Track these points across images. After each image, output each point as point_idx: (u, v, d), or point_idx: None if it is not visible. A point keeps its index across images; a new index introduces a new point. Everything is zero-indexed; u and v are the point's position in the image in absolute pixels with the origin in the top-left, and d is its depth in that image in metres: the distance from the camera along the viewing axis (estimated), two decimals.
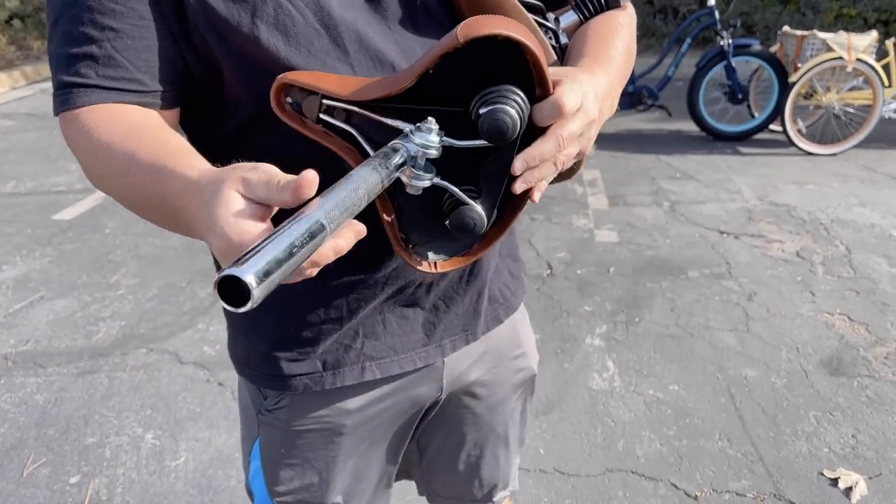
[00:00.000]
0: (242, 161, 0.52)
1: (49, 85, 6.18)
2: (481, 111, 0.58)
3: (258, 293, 0.38)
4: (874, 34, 4.79)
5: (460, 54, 0.57)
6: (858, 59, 4.63)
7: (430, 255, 0.70)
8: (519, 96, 0.59)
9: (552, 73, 0.63)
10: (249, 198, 0.47)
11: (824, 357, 2.50)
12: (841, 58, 4.62)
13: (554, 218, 3.81)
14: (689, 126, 5.40)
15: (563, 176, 0.74)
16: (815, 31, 4.80)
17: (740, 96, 5.15)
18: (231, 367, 2.42)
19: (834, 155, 4.87)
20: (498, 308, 0.93)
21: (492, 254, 0.88)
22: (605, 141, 5.27)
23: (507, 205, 0.68)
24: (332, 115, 0.62)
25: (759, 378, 2.38)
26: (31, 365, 2.48)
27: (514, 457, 1.10)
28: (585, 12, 0.74)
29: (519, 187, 0.62)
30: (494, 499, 1.11)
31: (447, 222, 0.65)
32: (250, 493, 0.95)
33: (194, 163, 0.56)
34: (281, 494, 0.89)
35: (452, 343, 0.88)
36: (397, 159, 0.54)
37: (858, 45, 4.64)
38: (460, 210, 0.63)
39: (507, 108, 0.57)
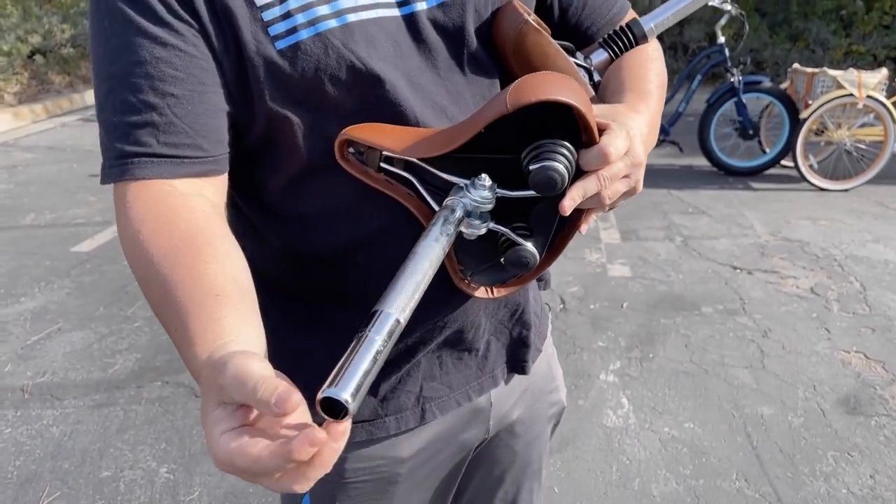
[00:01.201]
0: (290, 204, 0.58)
1: (69, 119, 6.33)
2: (532, 167, 0.60)
3: (354, 407, 0.43)
4: (884, 71, 4.82)
5: (509, 116, 0.60)
6: (869, 97, 4.66)
7: (485, 282, 0.74)
8: (567, 149, 0.61)
9: (600, 113, 0.66)
10: (227, 402, 0.47)
11: (841, 396, 2.48)
12: (851, 95, 4.65)
13: (566, 252, 3.79)
14: (701, 161, 5.43)
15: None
16: (826, 69, 4.85)
17: (751, 132, 5.18)
18: None
19: (846, 191, 4.88)
20: (537, 338, 0.94)
21: (527, 290, 0.89)
22: None
23: (556, 236, 0.72)
24: (391, 164, 0.66)
25: (775, 416, 2.36)
26: (47, 397, 2.50)
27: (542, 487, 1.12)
28: (616, 50, 0.77)
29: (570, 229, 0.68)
30: None
31: (502, 259, 0.68)
32: None
33: (208, 337, 0.53)
34: None
35: (503, 371, 0.90)
36: (457, 217, 0.59)
37: (869, 82, 4.67)
38: (515, 250, 0.66)
39: (557, 164, 0.60)
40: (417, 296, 0.51)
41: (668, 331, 2.96)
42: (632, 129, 0.66)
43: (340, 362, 0.45)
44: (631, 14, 0.86)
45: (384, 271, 0.60)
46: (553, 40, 0.72)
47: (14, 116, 7.26)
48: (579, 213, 0.71)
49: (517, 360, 0.91)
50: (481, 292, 0.74)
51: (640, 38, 0.77)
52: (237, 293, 0.58)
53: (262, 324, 0.58)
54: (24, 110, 7.46)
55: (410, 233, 0.70)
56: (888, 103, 4.69)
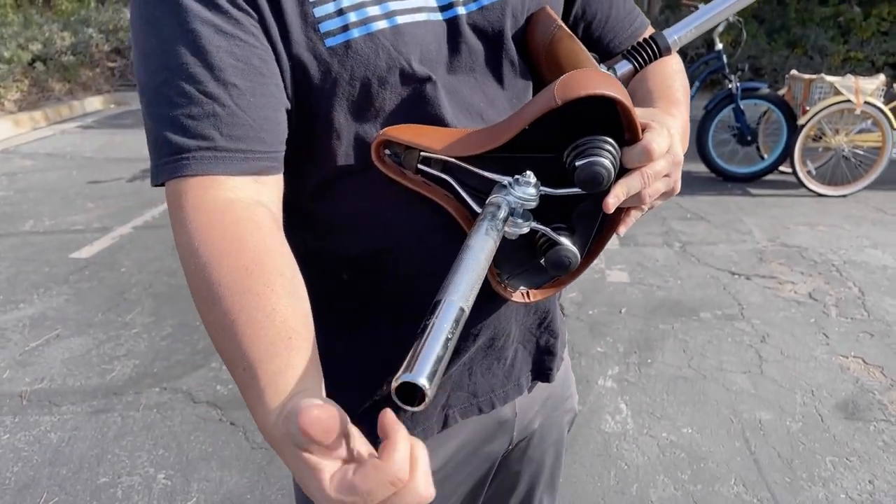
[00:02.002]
0: (320, 207, 0.58)
1: (69, 126, 6.33)
2: (577, 163, 0.60)
3: (431, 392, 0.43)
4: (882, 77, 4.84)
5: (552, 114, 0.60)
6: (867, 102, 4.68)
7: (521, 286, 0.73)
8: (612, 145, 0.61)
9: (641, 115, 0.65)
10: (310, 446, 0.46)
11: (839, 401, 2.48)
12: (849, 101, 4.67)
13: None
14: (699, 167, 5.44)
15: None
16: (823, 75, 4.87)
17: (749, 138, 5.20)
18: (244, 407, 2.42)
19: (844, 196, 4.89)
20: (561, 347, 0.94)
21: (555, 297, 0.88)
22: None
23: (594, 239, 0.71)
24: (428, 165, 0.65)
25: (773, 421, 2.36)
26: (45, 403, 2.49)
27: (556, 499, 1.12)
28: (641, 61, 0.77)
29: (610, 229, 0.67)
30: None
31: (542, 261, 0.67)
32: None
33: (280, 388, 0.51)
34: None
35: (527, 380, 0.89)
36: (503, 214, 0.58)
37: (866, 88, 4.69)
38: (556, 250, 0.65)
39: (602, 160, 0.59)
40: (477, 287, 0.50)
41: (666, 336, 2.96)
42: (672, 128, 0.66)
43: (412, 350, 0.45)
44: (650, 30, 0.86)
45: (414, 277, 0.59)
46: (584, 47, 0.72)
47: (14, 123, 7.27)
48: (618, 214, 0.70)
49: (543, 369, 0.90)
50: (517, 296, 0.73)
51: (664, 51, 0.77)
52: (306, 333, 0.55)
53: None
54: (24, 117, 7.48)
55: (441, 239, 0.69)
56: (886, 109, 4.71)
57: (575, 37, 0.72)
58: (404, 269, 0.71)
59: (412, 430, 0.80)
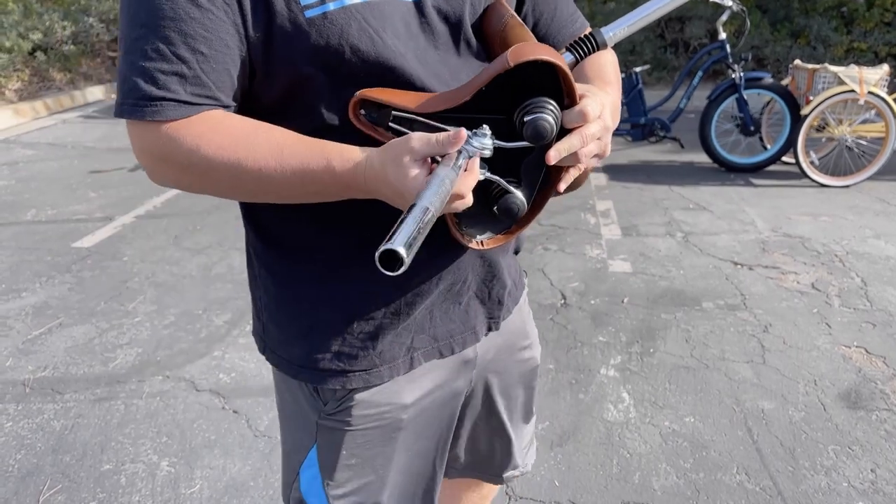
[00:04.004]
0: None
1: (70, 115, 6.34)
2: (525, 118, 0.72)
3: (408, 260, 0.56)
4: (885, 67, 4.82)
5: (506, 74, 0.72)
6: (870, 93, 4.65)
7: (478, 235, 0.85)
8: (554, 106, 0.73)
9: (578, 88, 0.77)
10: (416, 160, 0.67)
11: (842, 390, 2.48)
12: (853, 91, 4.65)
13: (567, 248, 3.82)
14: (702, 157, 5.43)
15: (575, 184, 0.89)
16: (827, 65, 4.84)
17: (752, 128, 5.18)
18: (247, 395, 2.44)
19: (847, 187, 4.88)
20: (516, 292, 1.07)
21: (506, 253, 1.01)
22: (618, 172, 5.30)
23: (539, 194, 0.84)
24: (399, 123, 0.75)
25: (776, 411, 2.36)
26: (48, 391, 2.50)
27: (523, 438, 1.24)
28: (582, 53, 0.88)
29: (557, 171, 0.81)
30: (505, 474, 1.25)
31: (495, 208, 0.78)
32: (302, 501, 1.00)
33: (354, 152, 0.73)
34: (339, 497, 0.97)
35: (483, 327, 1.01)
36: (461, 160, 0.68)
37: (870, 78, 4.67)
38: (506, 198, 0.77)
39: (547, 115, 0.71)
40: (442, 198, 0.62)
41: (668, 326, 2.96)
42: (603, 98, 0.79)
43: (391, 231, 0.57)
44: (588, 29, 0.99)
45: (391, 224, 0.65)
46: (532, 34, 0.85)
47: (15, 113, 7.26)
48: (558, 172, 0.82)
49: (493, 318, 1.02)
50: (474, 244, 0.84)
51: (601, 45, 0.89)
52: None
53: None
54: (25, 107, 7.47)
55: None
56: (889, 99, 4.69)
57: (525, 25, 0.85)
58: (384, 217, 0.79)
59: (380, 367, 0.92)
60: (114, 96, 8.78)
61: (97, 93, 8.71)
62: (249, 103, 0.80)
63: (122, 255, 3.76)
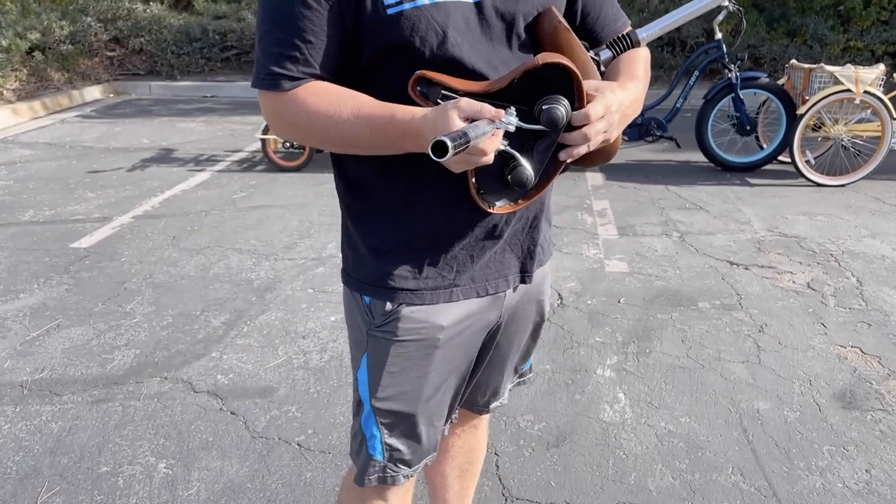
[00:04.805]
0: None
1: (68, 115, 6.39)
2: (544, 107, 0.92)
3: (452, 151, 0.75)
4: (882, 67, 4.83)
5: (535, 72, 0.92)
6: (866, 92, 4.67)
7: (494, 201, 1.02)
8: (567, 103, 0.93)
9: (595, 87, 0.98)
10: (462, 117, 0.86)
11: (837, 390, 2.49)
12: (849, 90, 4.66)
13: (564, 248, 3.83)
14: (698, 157, 5.44)
15: (602, 158, 1.10)
16: (823, 64, 4.85)
17: (748, 128, 5.19)
18: (245, 396, 2.45)
19: (843, 186, 4.89)
20: (542, 256, 1.25)
21: (543, 216, 1.21)
22: (615, 172, 5.31)
23: (548, 171, 1.02)
24: (444, 101, 0.92)
25: (771, 411, 2.37)
26: (46, 393, 2.51)
27: (513, 377, 1.44)
28: (618, 49, 1.08)
29: (563, 155, 1.00)
30: (491, 406, 1.44)
31: (508, 177, 0.97)
32: (360, 401, 1.21)
33: (416, 111, 0.93)
34: (379, 399, 1.17)
35: (515, 277, 1.20)
36: (491, 127, 0.86)
37: (866, 77, 4.68)
38: (519, 169, 0.96)
39: (560, 108, 0.92)
40: (473, 135, 0.80)
41: (664, 326, 2.97)
42: (611, 102, 0.97)
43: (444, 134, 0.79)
44: (629, 28, 1.18)
45: (444, 173, 0.97)
46: (577, 37, 1.02)
47: (13, 113, 7.25)
48: (560, 162, 1.01)
49: (525, 272, 1.20)
50: (487, 206, 1.01)
51: (636, 44, 1.09)
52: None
53: None
54: (23, 107, 7.45)
55: None
56: (885, 99, 4.70)
57: (571, 30, 1.02)
58: (438, 168, 0.96)
59: (423, 291, 1.12)
60: (112, 96, 8.83)
61: (95, 92, 8.70)
62: (344, 73, 1.01)
63: (119, 255, 3.77)
